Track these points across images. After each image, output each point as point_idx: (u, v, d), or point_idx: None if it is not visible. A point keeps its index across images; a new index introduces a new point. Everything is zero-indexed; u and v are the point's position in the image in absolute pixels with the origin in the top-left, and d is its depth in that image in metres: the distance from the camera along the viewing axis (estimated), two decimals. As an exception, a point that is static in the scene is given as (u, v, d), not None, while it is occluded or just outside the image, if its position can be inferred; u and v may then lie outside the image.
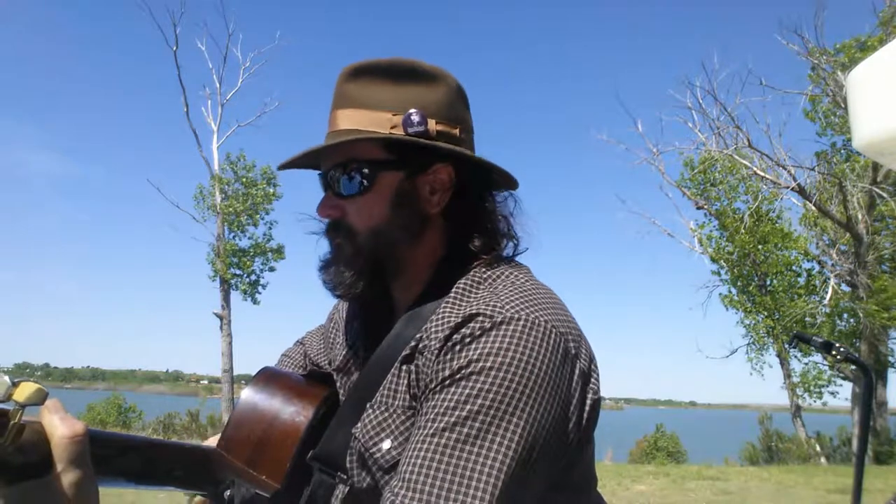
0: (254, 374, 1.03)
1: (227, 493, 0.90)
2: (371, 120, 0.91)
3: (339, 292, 0.93)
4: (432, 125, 0.92)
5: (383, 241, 0.91)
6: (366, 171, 0.91)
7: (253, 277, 18.90)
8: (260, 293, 19.03)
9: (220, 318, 18.68)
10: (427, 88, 0.94)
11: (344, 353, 1.03)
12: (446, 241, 0.95)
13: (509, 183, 1.00)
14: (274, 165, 19.24)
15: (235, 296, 19.05)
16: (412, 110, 0.91)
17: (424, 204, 0.93)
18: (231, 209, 18.59)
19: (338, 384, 1.02)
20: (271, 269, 19.25)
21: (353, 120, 0.92)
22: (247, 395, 0.97)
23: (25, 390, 0.57)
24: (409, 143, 0.91)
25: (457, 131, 0.95)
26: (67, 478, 0.59)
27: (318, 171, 0.98)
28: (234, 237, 19.03)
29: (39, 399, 0.57)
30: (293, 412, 0.94)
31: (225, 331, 18.68)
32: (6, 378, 0.56)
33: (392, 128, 0.90)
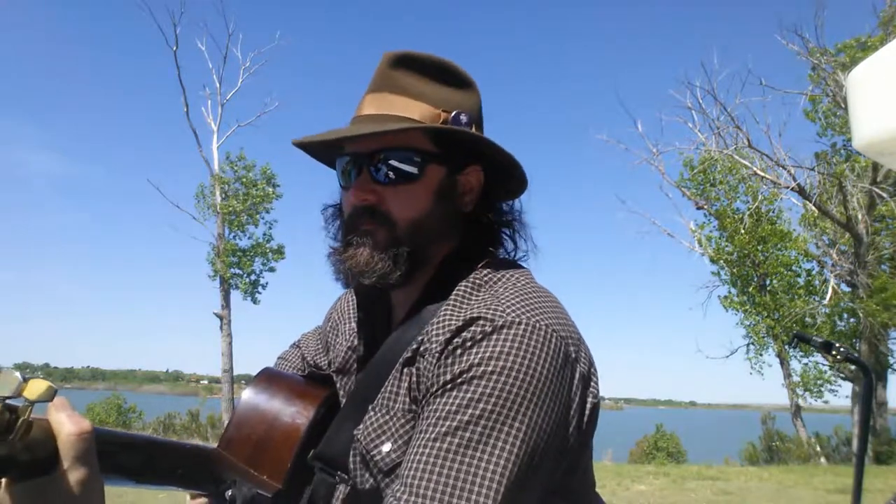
0: (254, 374, 1.03)
1: (229, 492, 0.90)
2: (421, 111, 0.91)
3: (369, 279, 0.90)
4: (474, 130, 0.94)
5: (422, 233, 0.91)
6: (417, 160, 0.90)
7: (253, 277, 18.92)
8: (260, 293, 19.07)
9: (220, 318, 18.69)
10: (466, 94, 0.97)
11: (344, 353, 1.03)
12: (459, 241, 0.96)
13: (521, 190, 1.01)
14: (274, 165, 19.29)
15: (235, 296, 19.10)
16: (460, 111, 0.93)
17: (458, 203, 0.95)
18: (231, 209, 18.59)
19: (338, 385, 1.02)
20: (271, 270, 19.28)
21: (402, 107, 0.92)
22: (248, 395, 0.97)
23: (36, 387, 0.57)
24: (463, 139, 0.92)
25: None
26: (73, 475, 0.60)
27: (347, 153, 0.94)
28: (234, 237, 19.04)
29: (49, 396, 0.58)
30: (294, 412, 0.95)
31: (225, 331, 18.69)
32: (17, 374, 0.56)
33: (441, 123, 0.92)
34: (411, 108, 0.91)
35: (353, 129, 0.91)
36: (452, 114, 0.92)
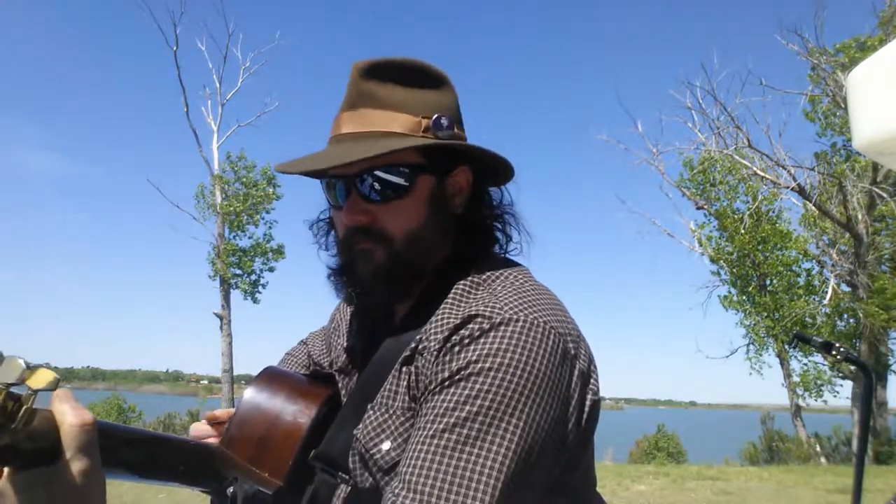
0: (254, 374, 1.03)
1: (230, 489, 0.91)
2: (402, 122, 0.90)
3: (371, 299, 0.92)
4: (455, 129, 0.94)
5: (419, 245, 0.91)
6: (406, 172, 0.90)
7: (253, 277, 18.91)
8: (260, 293, 19.06)
9: (220, 318, 18.68)
10: (442, 93, 0.95)
11: (345, 354, 1.03)
12: (453, 242, 0.96)
13: (508, 178, 1.01)
14: (274, 166, 19.25)
15: (235, 296, 19.08)
16: (440, 114, 0.92)
17: (450, 206, 0.95)
18: (231, 209, 18.59)
19: (339, 384, 1.02)
20: (271, 269, 19.26)
21: (382, 121, 0.90)
22: (250, 394, 0.97)
23: (39, 376, 0.56)
24: (446, 147, 0.91)
25: (464, 135, 0.97)
26: (76, 466, 0.59)
27: (330, 176, 0.92)
28: (234, 237, 19.03)
29: (52, 386, 0.57)
30: (296, 411, 0.95)
31: (225, 331, 18.68)
32: (21, 361, 0.56)
33: (424, 131, 0.91)
34: (392, 121, 0.90)
35: (338, 155, 0.87)
36: (433, 118, 0.91)
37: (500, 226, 1.00)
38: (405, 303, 0.95)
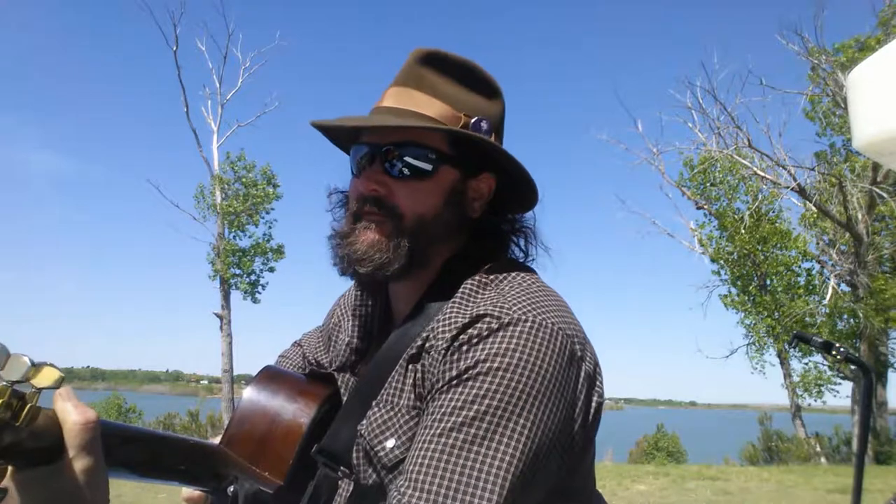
0: (254, 374, 1.03)
1: (230, 489, 0.91)
2: (442, 111, 0.91)
3: (366, 268, 0.89)
4: (493, 137, 0.95)
5: (427, 230, 0.91)
6: (432, 157, 0.90)
7: (253, 277, 18.90)
8: (260, 293, 19.04)
9: (220, 318, 18.67)
10: (490, 102, 0.97)
11: (345, 350, 1.03)
12: (464, 245, 0.96)
13: (532, 203, 1.01)
14: (274, 165, 19.34)
15: (235, 296, 19.07)
16: (482, 118, 0.93)
17: (467, 207, 0.95)
18: (231, 209, 18.58)
19: (339, 382, 1.02)
20: (271, 270, 19.25)
21: (423, 104, 0.92)
22: (249, 393, 0.97)
23: (44, 374, 0.56)
24: (476, 146, 0.92)
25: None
26: (79, 464, 0.59)
27: (363, 143, 0.94)
28: (234, 237, 19.03)
29: (56, 384, 0.57)
30: (296, 410, 0.95)
31: (225, 331, 18.67)
32: (26, 358, 0.55)
33: (461, 126, 0.92)
34: (432, 107, 0.91)
35: (371, 120, 0.91)
36: (473, 119, 0.92)
37: (516, 239, 1.00)
38: (409, 297, 0.95)
